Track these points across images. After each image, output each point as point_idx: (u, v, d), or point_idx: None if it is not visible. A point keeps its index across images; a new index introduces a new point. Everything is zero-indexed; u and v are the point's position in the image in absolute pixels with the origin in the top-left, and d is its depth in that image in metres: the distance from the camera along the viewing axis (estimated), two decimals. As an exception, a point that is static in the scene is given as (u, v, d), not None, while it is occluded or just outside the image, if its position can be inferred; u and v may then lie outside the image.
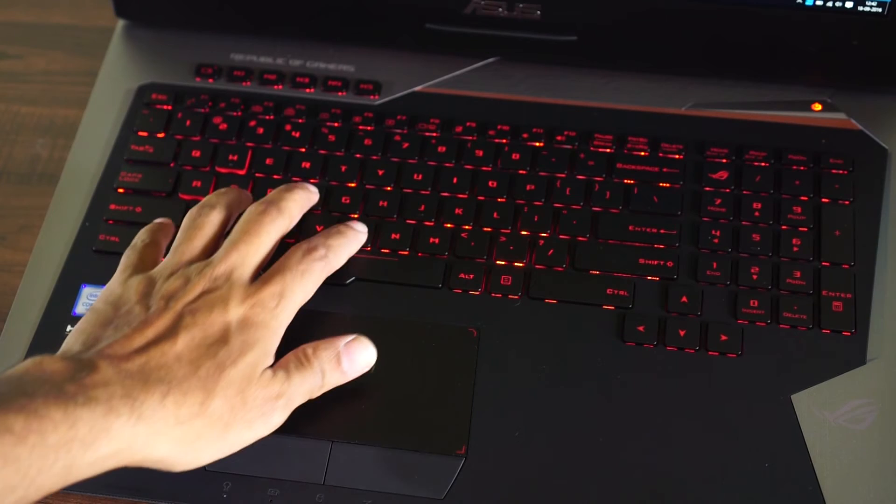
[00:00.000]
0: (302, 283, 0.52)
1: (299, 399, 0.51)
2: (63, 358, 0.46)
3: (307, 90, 0.64)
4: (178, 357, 0.48)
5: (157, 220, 0.57)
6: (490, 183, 0.60)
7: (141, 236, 0.56)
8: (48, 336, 0.55)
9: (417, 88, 0.64)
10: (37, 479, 0.42)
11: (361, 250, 0.57)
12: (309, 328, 0.53)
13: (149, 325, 0.49)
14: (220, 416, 0.48)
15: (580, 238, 0.58)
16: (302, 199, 0.56)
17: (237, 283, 0.51)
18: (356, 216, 0.59)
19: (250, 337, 0.49)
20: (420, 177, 0.60)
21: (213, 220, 0.55)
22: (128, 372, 0.46)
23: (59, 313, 0.56)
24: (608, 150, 0.61)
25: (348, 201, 0.59)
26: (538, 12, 0.61)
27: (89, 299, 0.57)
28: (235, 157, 0.61)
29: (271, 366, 0.50)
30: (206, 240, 0.54)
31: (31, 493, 0.42)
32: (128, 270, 0.53)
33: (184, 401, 0.47)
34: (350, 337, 0.52)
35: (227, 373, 0.48)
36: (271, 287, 0.51)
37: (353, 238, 0.56)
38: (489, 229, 0.58)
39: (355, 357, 0.52)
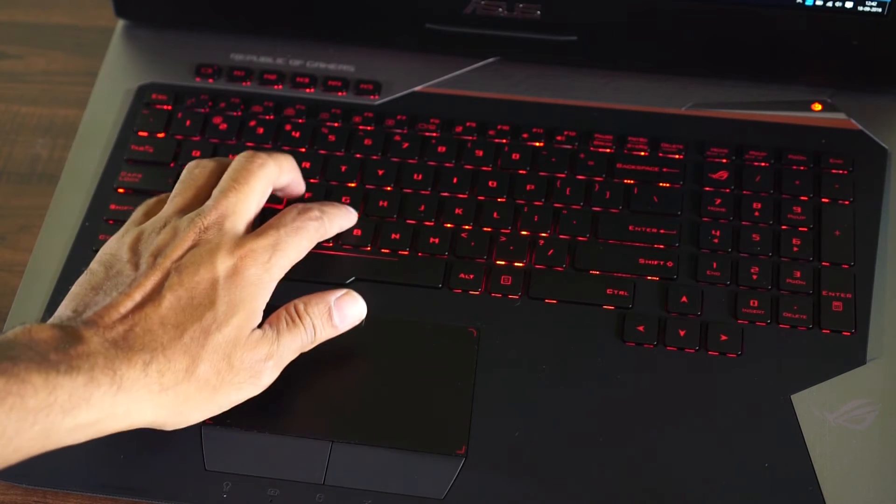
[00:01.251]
0: (297, 239, 0.51)
1: (290, 356, 0.50)
2: (52, 326, 0.46)
3: (307, 90, 0.64)
4: (163, 321, 0.47)
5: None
6: (490, 183, 0.60)
7: (161, 195, 0.55)
8: (48, 336, 0.55)
9: (417, 88, 0.64)
10: (14, 440, 0.42)
11: (361, 250, 0.57)
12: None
13: (136, 286, 0.48)
14: (206, 380, 0.47)
15: (580, 238, 0.58)
16: (290, 159, 0.56)
17: (228, 233, 0.50)
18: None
19: (237, 297, 0.48)
20: (420, 177, 0.60)
21: (209, 170, 0.54)
22: (112, 341, 0.46)
23: (59, 313, 0.56)
24: (608, 150, 0.61)
25: (348, 201, 0.59)
26: (538, 12, 0.61)
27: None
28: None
29: (260, 324, 0.50)
30: (200, 189, 0.53)
31: (7, 454, 0.42)
32: (130, 225, 0.53)
33: (168, 367, 0.46)
34: (341, 291, 0.52)
35: (213, 338, 0.47)
36: (264, 239, 0.50)
37: (346, 212, 0.56)
38: (489, 229, 0.58)
39: (346, 311, 0.52)
